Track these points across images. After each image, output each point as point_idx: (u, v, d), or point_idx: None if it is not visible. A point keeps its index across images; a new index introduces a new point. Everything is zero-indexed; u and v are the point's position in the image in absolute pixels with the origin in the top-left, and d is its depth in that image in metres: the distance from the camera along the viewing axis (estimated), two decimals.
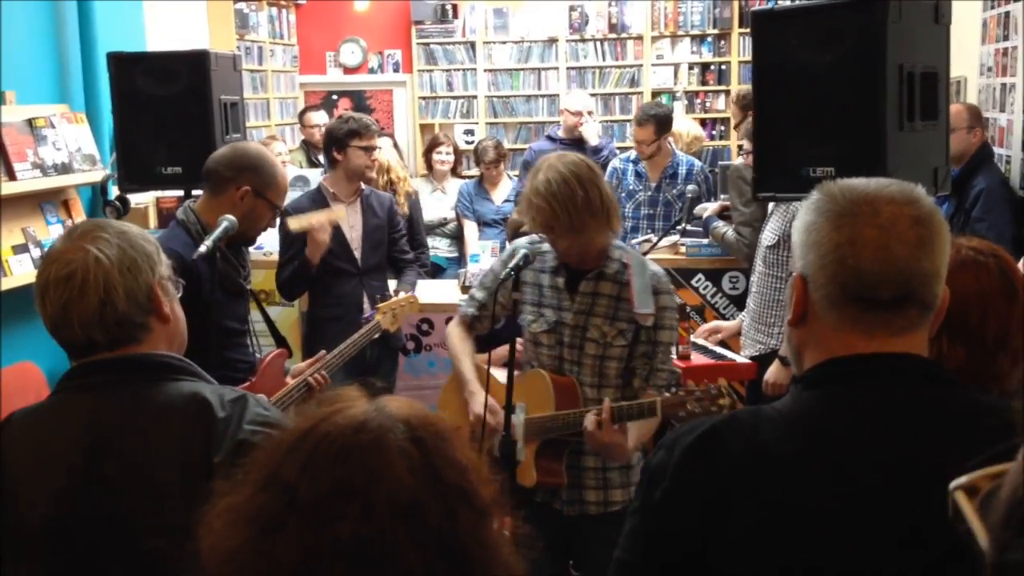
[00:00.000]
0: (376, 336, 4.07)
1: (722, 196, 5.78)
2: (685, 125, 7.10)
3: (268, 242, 5.43)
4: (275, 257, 5.12)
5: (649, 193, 6.23)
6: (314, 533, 1.11)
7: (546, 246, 3.26)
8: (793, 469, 1.47)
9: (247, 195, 3.39)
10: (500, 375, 3.35)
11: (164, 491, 1.71)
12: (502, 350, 3.33)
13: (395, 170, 6.19)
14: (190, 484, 1.66)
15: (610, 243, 3.21)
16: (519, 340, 3.43)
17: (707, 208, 5.61)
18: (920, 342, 1.55)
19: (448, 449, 1.20)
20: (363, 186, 5.02)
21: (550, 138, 7.26)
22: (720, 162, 6.75)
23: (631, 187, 6.28)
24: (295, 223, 4.52)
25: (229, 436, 1.73)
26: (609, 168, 6.43)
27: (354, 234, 4.90)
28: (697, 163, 6.23)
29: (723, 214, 5.36)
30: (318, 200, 4.91)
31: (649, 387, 3.22)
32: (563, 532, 3.26)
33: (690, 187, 5.30)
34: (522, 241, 3.39)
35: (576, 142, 6.94)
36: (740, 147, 6.42)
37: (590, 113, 7.16)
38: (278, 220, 4.01)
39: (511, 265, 3.11)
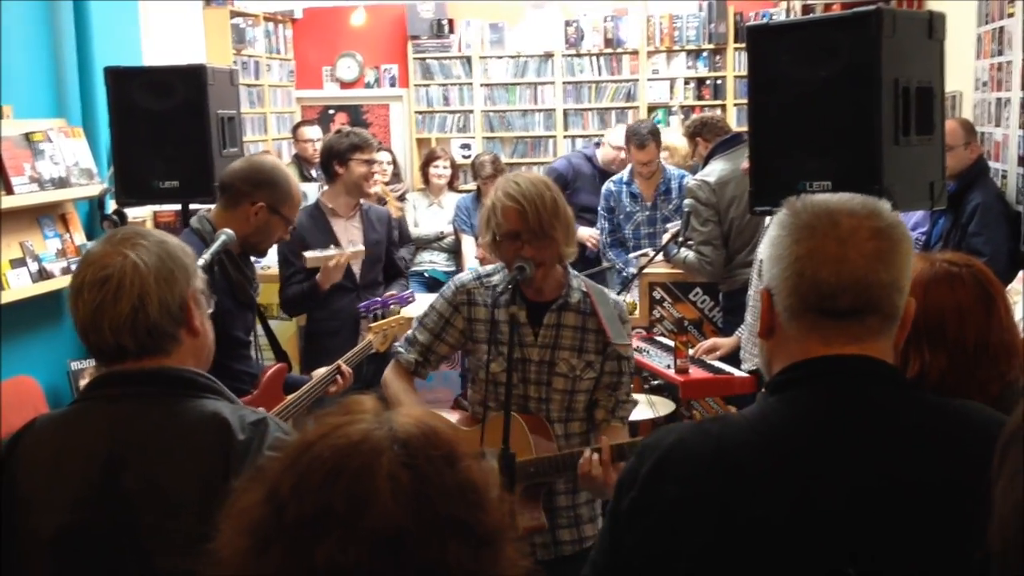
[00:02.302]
0: (369, 354, 4.07)
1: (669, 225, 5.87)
2: (681, 139, 7.12)
3: (266, 257, 5.43)
4: (273, 271, 5.12)
5: (646, 212, 6.26)
6: (294, 557, 1.09)
7: (496, 278, 3.11)
8: (751, 478, 1.49)
9: (262, 210, 3.43)
10: (450, 417, 3.26)
11: (180, 509, 1.69)
12: None
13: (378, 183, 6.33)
14: (207, 505, 1.64)
15: (567, 270, 3.10)
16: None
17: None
18: (882, 350, 1.57)
19: (448, 475, 1.14)
20: (362, 201, 5.03)
21: (589, 159, 7.29)
22: None
23: (628, 208, 6.31)
24: (311, 260, 4.54)
25: (248, 461, 1.70)
26: (604, 191, 6.45)
27: (353, 249, 4.90)
28: (688, 176, 6.24)
29: (679, 240, 5.39)
30: (316, 216, 4.91)
31: (614, 419, 3.11)
32: None
33: (687, 201, 5.31)
34: (466, 276, 3.25)
35: (607, 174, 6.96)
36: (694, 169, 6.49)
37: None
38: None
39: (508, 278, 2.95)
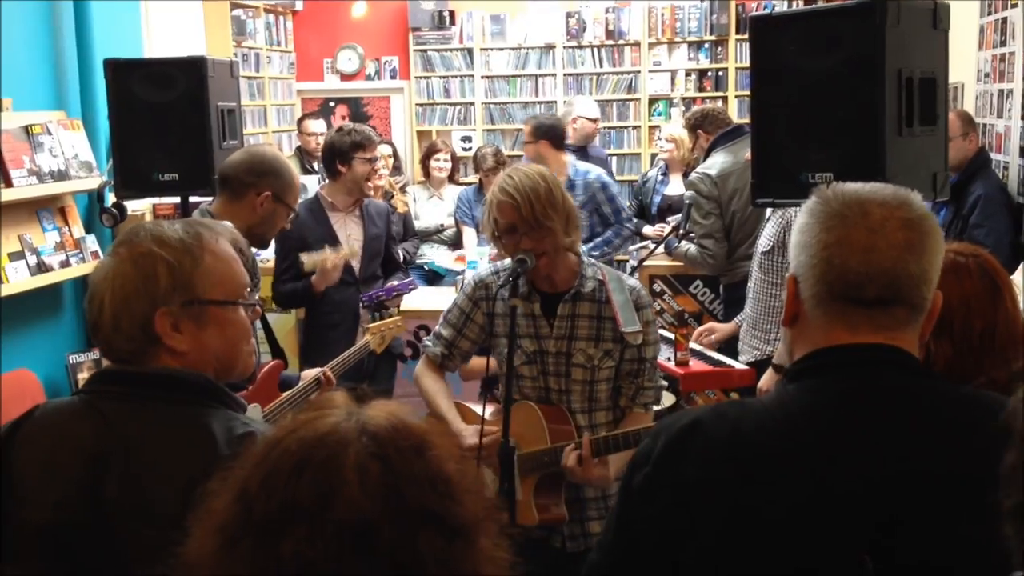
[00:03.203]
0: (367, 354, 4.08)
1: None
2: (685, 132, 7.10)
3: (264, 250, 5.43)
4: (271, 264, 5.11)
5: None
6: (263, 551, 1.08)
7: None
8: (768, 463, 1.48)
9: (267, 200, 3.45)
10: (476, 408, 3.29)
11: (160, 519, 1.61)
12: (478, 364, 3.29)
13: (385, 177, 6.32)
14: (187, 518, 1.64)
15: (582, 259, 3.11)
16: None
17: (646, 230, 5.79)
18: (908, 341, 1.56)
19: (418, 465, 1.13)
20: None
21: None
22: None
23: None
24: (308, 262, 4.54)
25: None
26: None
27: (352, 243, 4.90)
28: (594, 174, 6.14)
29: (680, 233, 5.38)
30: (316, 210, 4.91)
31: (636, 406, 3.13)
32: (562, 570, 3.05)
33: (688, 193, 5.29)
34: (484, 270, 3.27)
35: (580, 149, 6.94)
36: (688, 166, 6.44)
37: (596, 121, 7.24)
38: None
39: (508, 271, 2.99)
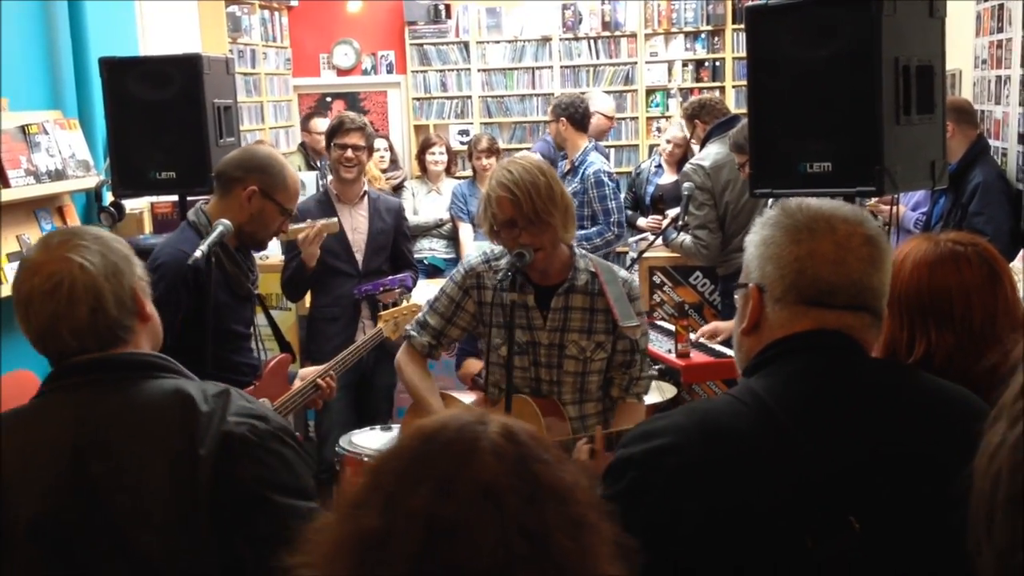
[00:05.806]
0: (379, 341, 4.06)
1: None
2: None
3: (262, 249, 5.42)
4: (271, 261, 5.11)
5: None
6: (392, 507, 1.12)
7: (504, 261, 3.09)
8: (743, 448, 1.52)
9: (255, 195, 3.37)
10: (465, 399, 3.29)
11: (151, 488, 1.72)
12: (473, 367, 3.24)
13: (370, 171, 6.23)
14: (177, 480, 1.71)
15: (574, 252, 3.11)
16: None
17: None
18: (867, 342, 1.64)
19: (544, 452, 1.18)
20: (369, 189, 5.02)
21: (547, 145, 7.06)
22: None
23: None
24: (292, 231, 4.50)
25: (213, 428, 1.74)
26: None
27: (357, 236, 4.89)
28: (594, 168, 5.98)
29: (679, 224, 5.37)
30: (324, 202, 4.92)
31: (629, 396, 3.14)
32: None
33: (686, 184, 5.28)
34: (474, 258, 3.26)
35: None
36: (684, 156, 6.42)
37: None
38: None
39: (507, 264, 2.97)
